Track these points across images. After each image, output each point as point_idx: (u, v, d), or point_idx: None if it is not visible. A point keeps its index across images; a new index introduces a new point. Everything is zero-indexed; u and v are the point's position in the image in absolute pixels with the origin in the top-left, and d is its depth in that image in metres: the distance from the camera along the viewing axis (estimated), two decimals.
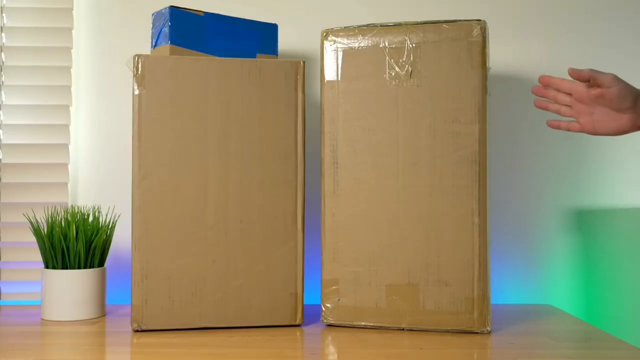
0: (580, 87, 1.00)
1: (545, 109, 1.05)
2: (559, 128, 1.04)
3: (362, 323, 1.06)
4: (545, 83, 1.03)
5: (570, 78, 1.02)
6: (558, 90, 1.03)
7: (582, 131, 1.02)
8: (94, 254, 1.16)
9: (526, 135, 1.35)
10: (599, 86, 0.97)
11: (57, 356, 0.92)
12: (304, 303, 1.10)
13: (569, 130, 1.03)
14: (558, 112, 1.04)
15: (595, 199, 1.35)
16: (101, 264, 1.18)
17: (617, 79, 0.96)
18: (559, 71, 1.36)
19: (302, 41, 1.36)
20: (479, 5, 1.37)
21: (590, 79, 0.97)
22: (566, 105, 1.03)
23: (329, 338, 1.02)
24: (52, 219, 1.15)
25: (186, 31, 1.09)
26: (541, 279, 1.35)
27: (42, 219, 1.20)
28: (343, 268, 1.07)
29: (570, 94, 1.02)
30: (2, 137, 1.34)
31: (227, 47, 1.12)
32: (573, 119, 1.04)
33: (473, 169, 1.02)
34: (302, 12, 1.37)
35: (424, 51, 1.04)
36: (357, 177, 1.06)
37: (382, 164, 1.05)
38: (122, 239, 1.31)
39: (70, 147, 1.34)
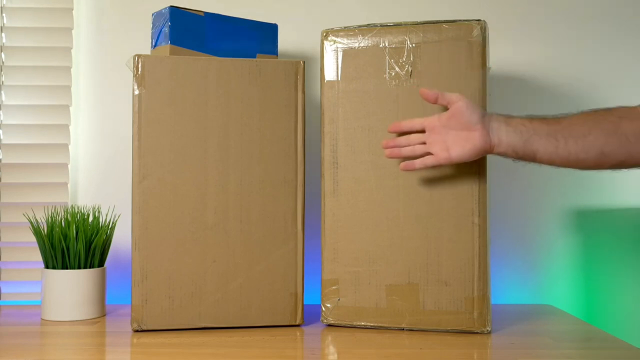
0: (430, 119, 0.99)
1: (399, 156, 1.02)
2: (414, 168, 1.00)
3: (362, 323, 1.06)
4: (397, 129, 1.02)
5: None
6: (411, 131, 1.01)
7: (437, 162, 0.98)
8: (94, 254, 1.16)
9: None
10: (447, 103, 0.97)
11: (57, 356, 0.92)
12: (304, 303, 1.10)
13: (424, 166, 0.99)
14: (414, 153, 1.00)
15: (595, 199, 1.35)
16: (101, 264, 1.18)
17: (462, 95, 0.97)
18: (559, 71, 1.36)
19: (302, 41, 1.36)
20: (479, 5, 1.37)
21: (438, 97, 0.97)
22: (419, 144, 1.00)
23: (329, 338, 1.02)
24: (52, 219, 1.15)
25: (186, 31, 1.09)
26: (541, 279, 1.35)
27: (42, 219, 1.20)
28: (343, 268, 1.07)
29: (423, 130, 1.00)
30: (2, 137, 1.34)
31: (227, 47, 1.12)
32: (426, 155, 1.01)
33: (473, 169, 1.02)
34: (302, 12, 1.37)
35: (424, 51, 1.04)
36: (357, 177, 1.06)
37: (382, 164, 1.05)
38: (122, 239, 1.31)
39: (70, 147, 1.34)
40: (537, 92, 1.36)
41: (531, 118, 0.95)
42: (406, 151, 1.01)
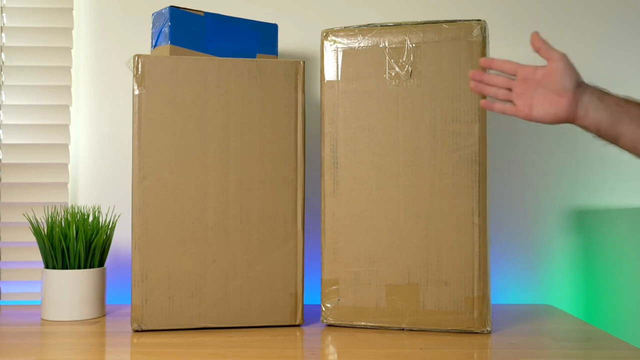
0: (526, 68, 0.96)
1: (482, 92, 1.00)
2: (492, 109, 0.98)
3: (362, 323, 1.06)
4: (487, 65, 0.99)
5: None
6: (501, 71, 0.98)
7: (516, 114, 0.96)
8: (94, 254, 1.16)
9: (526, 135, 1.35)
10: (548, 58, 0.94)
11: (57, 356, 0.92)
12: (304, 303, 1.10)
13: (503, 112, 0.97)
14: (495, 95, 0.98)
15: (595, 199, 1.35)
16: (101, 264, 1.18)
17: (566, 57, 0.93)
18: None
19: (302, 41, 1.36)
20: (479, 5, 1.37)
21: (541, 47, 0.94)
22: (505, 89, 0.98)
23: (329, 338, 1.02)
24: (52, 219, 1.15)
25: (186, 31, 1.09)
26: (541, 279, 1.35)
27: (42, 219, 1.20)
28: (343, 268, 1.07)
29: (514, 75, 0.97)
30: (2, 137, 1.34)
31: (227, 47, 1.12)
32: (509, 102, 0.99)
33: (473, 169, 1.02)
34: (302, 12, 1.37)
35: (424, 51, 1.04)
36: (357, 177, 1.06)
37: (382, 164, 1.05)
38: (122, 239, 1.31)
39: (70, 147, 1.34)
40: None
41: (628, 100, 0.91)
42: (489, 91, 0.98)
